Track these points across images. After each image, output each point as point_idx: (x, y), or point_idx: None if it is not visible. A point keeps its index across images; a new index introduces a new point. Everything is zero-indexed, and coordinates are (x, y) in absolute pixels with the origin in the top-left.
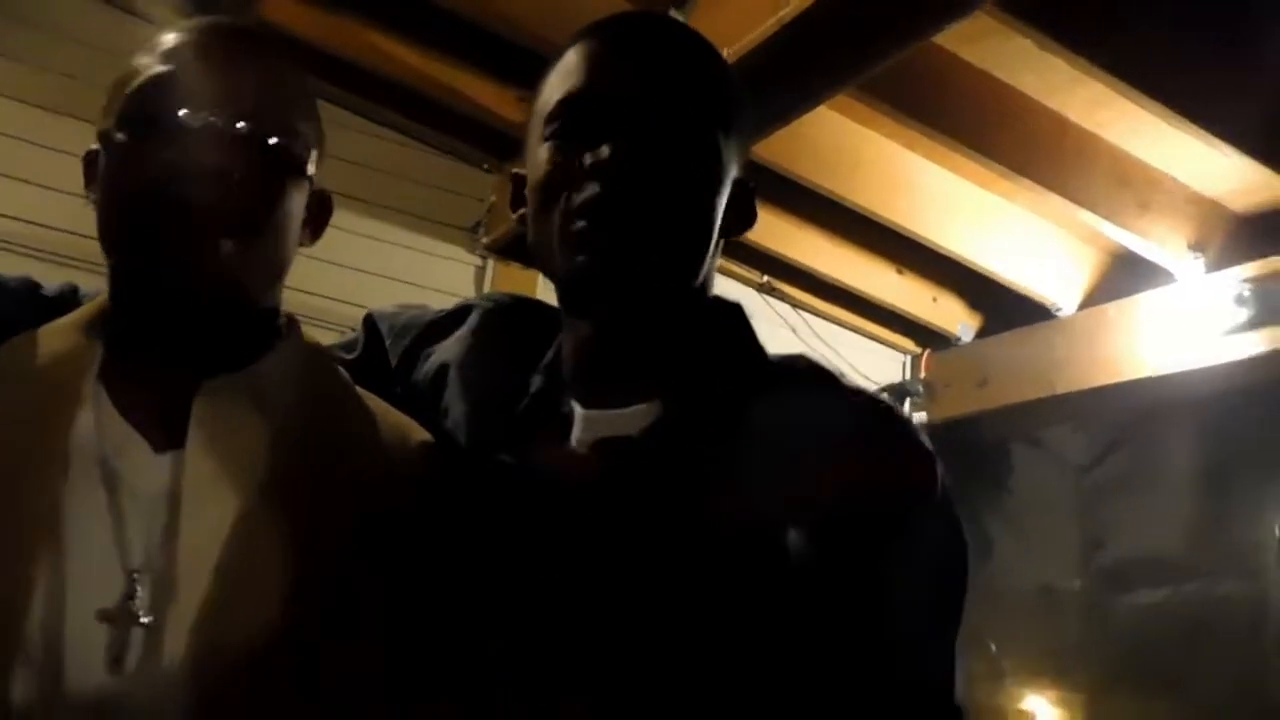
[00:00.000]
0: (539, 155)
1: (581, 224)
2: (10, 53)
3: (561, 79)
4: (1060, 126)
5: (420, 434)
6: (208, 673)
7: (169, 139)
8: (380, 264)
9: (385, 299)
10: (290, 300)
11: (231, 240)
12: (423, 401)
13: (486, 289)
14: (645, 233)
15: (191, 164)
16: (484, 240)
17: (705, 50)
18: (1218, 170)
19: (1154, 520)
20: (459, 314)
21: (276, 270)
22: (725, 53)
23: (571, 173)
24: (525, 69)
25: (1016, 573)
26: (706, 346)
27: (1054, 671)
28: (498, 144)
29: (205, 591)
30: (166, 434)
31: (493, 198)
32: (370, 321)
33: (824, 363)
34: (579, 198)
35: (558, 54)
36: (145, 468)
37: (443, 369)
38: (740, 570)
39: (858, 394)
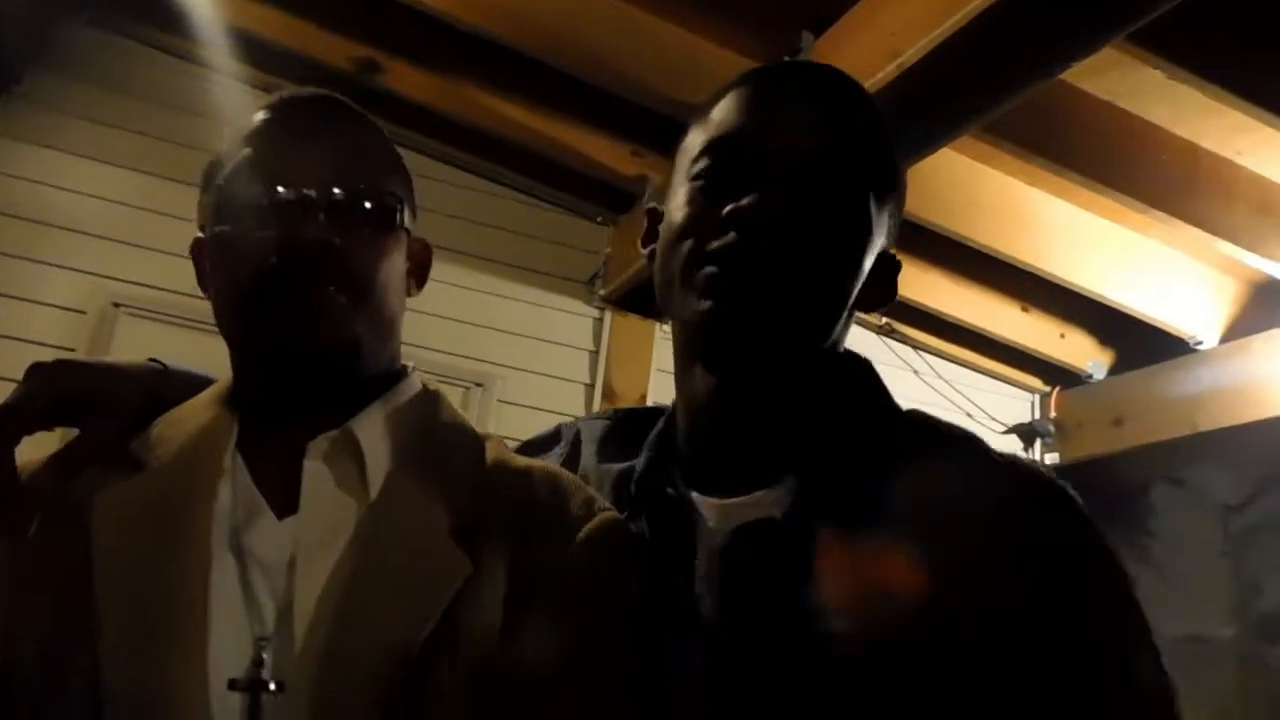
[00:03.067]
0: (679, 194)
1: (712, 269)
2: (131, 126)
3: (714, 118)
4: (1193, 156)
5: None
6: None
7: (268, 219)
8: (501, 319)
9: (506, 353)
10: (412, 355)
11: (342, 296)
12: None
13: (604, 340)
14: (777, 289)
15: (293, 237)
16: (601, 292)
17: (870, 110)
18: None
19: None
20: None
21: (388, 325)
22: None
23: (710, 218)
24: (637, 125)
25: (1161, 620)
26: (837, 414)
27: None
28: (613, 198)
29: (316, 654)
30: (287, 500)
31: (608, 250)
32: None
33: (959, 425)
34: (715, 244)
35: (715, 95)
36: (269, 536)
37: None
38: (914, 658)
39: (1002, 458)
